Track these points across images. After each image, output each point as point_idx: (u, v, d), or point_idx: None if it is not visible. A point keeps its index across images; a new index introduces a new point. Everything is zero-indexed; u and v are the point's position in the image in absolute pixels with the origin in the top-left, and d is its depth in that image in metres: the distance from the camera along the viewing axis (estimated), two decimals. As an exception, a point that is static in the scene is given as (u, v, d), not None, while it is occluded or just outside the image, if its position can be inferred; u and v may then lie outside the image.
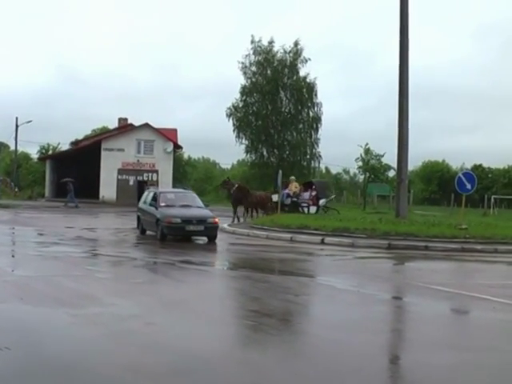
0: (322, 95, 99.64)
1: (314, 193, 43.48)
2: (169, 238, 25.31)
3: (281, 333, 10.20)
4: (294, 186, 43.28)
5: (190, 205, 27.42)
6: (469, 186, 28.51)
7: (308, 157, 77.65)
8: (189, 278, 16.43)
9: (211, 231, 25.64)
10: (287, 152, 77.13)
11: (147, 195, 29.64)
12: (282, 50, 77.36)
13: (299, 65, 77.59)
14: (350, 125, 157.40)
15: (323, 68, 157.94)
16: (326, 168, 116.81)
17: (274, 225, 30.46)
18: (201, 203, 28.42)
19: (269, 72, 76.90)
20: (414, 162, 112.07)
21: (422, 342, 9.68)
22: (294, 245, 24.98)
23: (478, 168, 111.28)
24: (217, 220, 26.03)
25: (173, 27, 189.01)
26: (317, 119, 77.50)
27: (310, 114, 77.80)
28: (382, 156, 67.83)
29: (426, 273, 18.63)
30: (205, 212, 26.94)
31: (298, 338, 10.01)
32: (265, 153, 78.09)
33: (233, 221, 37.62)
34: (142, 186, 38.36)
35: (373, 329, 10.58)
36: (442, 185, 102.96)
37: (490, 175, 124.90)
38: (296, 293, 13.94)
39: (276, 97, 77.13)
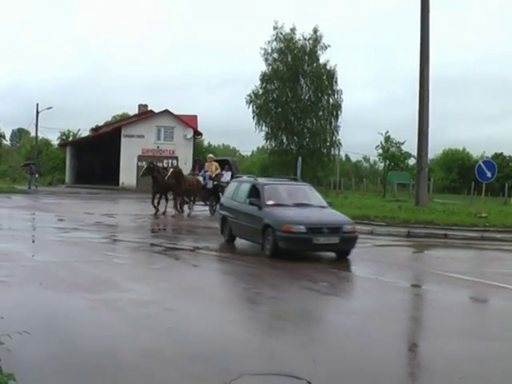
0: (345, 83, 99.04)
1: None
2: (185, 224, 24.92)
3: (298, 319, 10.24)
4: (215, 167, 34.58)
5: (310, 203, 18.73)
6: (489, 174, 28.39)
7: (328, 144, 77.47)
8: (207, 264, 16.49)
9: (348, 244, 17.55)
10: (307, 139, 76.96)
11: (237, 187, 20.71)
12: (302, 37, 77.15)
13: (319, 52, 77.38)
14: (372, 113, 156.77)
15: (348, 56, 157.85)
16: (346, 155, 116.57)
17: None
18: (323, 201, 19.47)
19: (289, 59, 76.78)
20: (434, 151, 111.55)
21: (439, 330, 9.69)
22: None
23: (498, 156, 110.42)
24: (355, 227, 18.34)
25: (198, 15, 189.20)
26: (337, 106, 77.29)
27: (330, 101, 77.63)
28: (403, 144, 67.43)
29: (445, 261, 18.58)
30: (337, 215, 18.65)
31: (315, 325, 10.06)
32: (284, 140, 77.98)
33: (156, 212, 31.79)
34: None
35: (390, 316, 10.65)
36: (462, 173, 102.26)
37: (510, 164, 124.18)
38: (314, 280, 13.95)
39: (296, 84, 77.01)
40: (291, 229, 16.61)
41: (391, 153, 68.07)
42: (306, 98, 78.03)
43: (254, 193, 18.89)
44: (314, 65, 77.54)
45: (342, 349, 8.53)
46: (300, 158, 36.23)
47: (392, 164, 69.71)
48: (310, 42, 77.45)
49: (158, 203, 32.41)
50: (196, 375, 7.11)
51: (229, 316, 10.24)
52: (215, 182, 33.13)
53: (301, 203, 18.52)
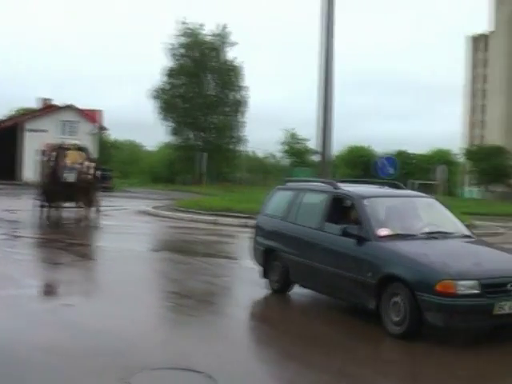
0: (253, 80, 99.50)
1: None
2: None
3: (200, 314, 10.30)
4: (79, 156, 26.47)
5: (448, 231, 11.04)
6: (391, 171, 28.93)
7: (234, 140, 77.89)
8: (111, 261, 16.31)
9: None
10: (213, 135, 77.30)
11: (294, 199, 12.45)
12: (209, 33, 77.46)
13: (226, 48, 77.80)
14: (279, 110, 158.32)
15: (255, 54, 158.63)
16: (253, 152, 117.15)
17: (198, 207, 30.43)
18: (462, 225, 11.64)
19: (196, 54, 76.87)
20: (340, 147, 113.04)
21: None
22: (218, 227, 25.00)
23: (402, 154, 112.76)
24: None
25: (105, 7, 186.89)
26: (243, 102, 77.92)
27: (237, 97, 78.08)
28: (308, 141, 68.44)
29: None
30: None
31: (216, 319, 10.11)
32: (190, 135, 78.03)
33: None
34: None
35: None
36: (366, 169, 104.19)
37: (414, 161, 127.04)
38: (216, 274, 14.04)
39: (203, 79, 77.32)
40: (454, 288, 8.80)
41: (296, 149, 68.93)
42: (213, 93, 78.35)
43: (340, 212, 11.11)
44: (221, 61, 77.91)
45: (244, 343, 8.67)
46: (205, 154, 36.12)
47: (297, 160, 70.54)
48: (218, 38, 77.79)
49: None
50: (95, 371, 7.06)
51: (132, 311, 10.22)
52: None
53: (435, 232, 10.64)
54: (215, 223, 26.13)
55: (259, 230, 13.17)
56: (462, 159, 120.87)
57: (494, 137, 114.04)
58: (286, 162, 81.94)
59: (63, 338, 8.28)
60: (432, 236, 10.37)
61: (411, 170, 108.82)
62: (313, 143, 65.12)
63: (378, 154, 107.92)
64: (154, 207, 33.56)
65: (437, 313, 8.82)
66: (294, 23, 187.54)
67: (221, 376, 6.88)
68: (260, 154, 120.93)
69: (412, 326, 9.01)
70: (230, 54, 78.29)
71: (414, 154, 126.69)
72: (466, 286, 8.80)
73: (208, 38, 78.37)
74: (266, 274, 12.47)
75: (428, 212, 11.64)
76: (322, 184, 12.46)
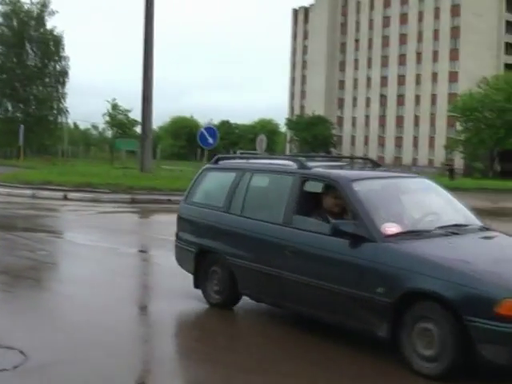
0: (75, 50, 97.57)
1: None
2: None
3: (15, 289, 10.09)
4: None
5: (463, 223, 8.35)
6: (211, 141, 29.19)
7: (55, 112, 76.34)
8: None
9: None
10: (33, 107, 75.48)
11: (239, 184, 9.19)
12: (28, 1, 75.34)
13: (46, 17, 75.92)
14: (104, 81, 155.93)
15: (78, 23, 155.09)
16: (75, 124, 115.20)
17: (16, 181, 29.57)
18: (472, 214, 8.77)
19: (15, 24, 74.57)
20: (164, 118, 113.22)
21: (165, 293, 10.05)
22: (37, 201, 24.39)
23: (225, 124, 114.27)
24: None
25: None
26: (64, 73, 76.59)
27: (57, 67, 76.69)
28: (130, 111, 67.98)
29: (168, 225, 19.00)
30: None
31: (32, 294, 9.94)
32: (10, 107, 75.79)
33: None
34: None
35: (115, 282, 10.81)
36: (190, 140, 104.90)
37: (237, 131, 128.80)
38: (33, 249, 13.75)
39: (22, 49, 75.22)
40: None
41: (118, 120, 68.35)
42: (33, 64, 76.44)
43: (312, 200, 8.35)
44: (41, 30, 76.04)
45: (60, 316, 8.56)
46: (22, 126, 35.11)
47: (120, 132, 69.95)
48: (38, 6, 75.76)
49: None
50: None
51: None
52: None
53: (450, 225, 8.10)
54: (34, 197, 25.48)
55: (185, 225, 10.03)
56: (284, 129, 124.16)
57: (314, 107, 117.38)
58: (109, 133, 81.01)
59: None
60: (451, 231, 7.85)
61: (235, 140, 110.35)
62: (136, 114, 64.91)
63: (201, 124, 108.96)
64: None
65: (498, 346, 6.30)
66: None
67: (33, 351, 6.79)
68: (83, 126, 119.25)
69: (455, 363, 6.49)
70: (51, 23, 76.57)
71: (237, 124, 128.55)
72: None
73: (27, 7, 76.14)
74: (199, 283, 9.41)
75: (429, 197, 9.04)
76: (283, 162, 9.51)
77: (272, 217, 8.45)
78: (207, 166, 10.36)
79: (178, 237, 10.01)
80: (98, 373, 6.35)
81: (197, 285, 9.39)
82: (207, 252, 9.29)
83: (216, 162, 10.04)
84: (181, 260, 9.93)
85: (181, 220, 10.06)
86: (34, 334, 7.57)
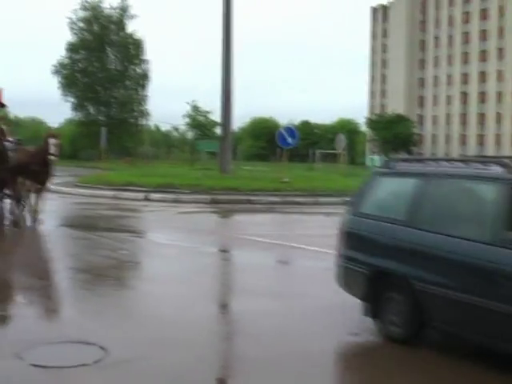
0: (156, 53, 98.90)
1: None
2: None
3: (97, 287, 10.22)
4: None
5: None
6: (290, 140, 29.19)
7: (136, 114, 77.36)
8: (9, 237, 16.07)
9: None
10: (114, 109, 76.59)
11: (423, 191, 7.59)
12: (109, 7, 76.64)
13: (126, 21, 77.08)
14: (183, 83, 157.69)
15: (159, 26, 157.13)
16: (156, 125, 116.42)
17: (98, 182, 30.08)
18: None
19: (96, 28, 75.89)
20: (243, 119, 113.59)
21: (244, 291, 10.03)
22: (119, 202, 24.74)
23: (305, 124, 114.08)
24: None
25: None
26: (145, 76, 77.49)
27: (138, 70, 77.61)
28: (209, 113, 68.41)
29: (248, 225, 19.09)
30: None
31: (113, 292, 10.06)
32: (92, 111, 77.17)
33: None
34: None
35: (197, 280, 10.81)
36: (270, 141, 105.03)
37: (316, 131, 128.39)
38: (115, 248, 13.93)
39: (103, 53, 76.50)
40: None
41: (198, 122, 68.84)
42: (114, 67, 77.57)
43: None
44: (122, 34, 77.14)
45: (141, 312, 8.64)
46: (104, 128, 35.71)
47: (200, 133, 70.44)
48: (118, 11, 76.93)
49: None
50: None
51: (30, 284, 10.12)
52: None
53: None
54: (116, 198, 25.85)
55: (355, 241, 8.39)
56: (364, 128, 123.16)
57: (394, 106, 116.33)
58: (190, 135, 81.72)
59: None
60: None
61: (315, 140, 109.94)
62: (216, 116, 65.28)
63: (281, 125, 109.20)
64: (55, 184, 32.91)
65: None
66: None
67: (113, 347, 6.86)
68: (164, 127, 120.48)
69: None
70: (131, 26, 77.61)
71: (317, 124, 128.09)
72: None
73: (107, 12, 77.40)
74: (375, 312, 7.84)
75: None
76: (481, 165, 7.27)
77: (472, 233, 6.82)
78: (379, 170, 8.91)
79: (342, 255, 8.41)
80: (177, 368, 6.39)
81: (371, 313, 7.85)
82: (384, 274, 7.72)
83: (388, 165, 8.56)
84: (347, 283, 8.38)
85: (348, 235, 8.43)
86: (115, 331, 7.64)
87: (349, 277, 8.28)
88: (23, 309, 8.71)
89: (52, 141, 16.16)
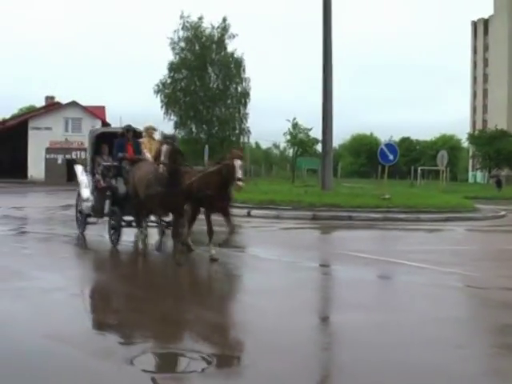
0: (254, 71, 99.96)
1: None
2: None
3: (204, 300, 10.55)
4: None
5: None
6: (391, 157, 29.16)
7: (237, 132, 78.06)
8: (119, 253, 16.53)
9: None
10: (216, 128, 77.37)
11: None
12: (210, 26, 77.60)
13: (227, 40, 77.97)
14: (282, 100, 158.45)
15: (256, 44, 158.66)
16: (256, 143, 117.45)
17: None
18: None
19: (197, 48, 76.99)
20: (343, 136, 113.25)
21: (344, 304, 10.18)
22: (221, 218, 25.06)
23: (405, 141, 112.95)
24: None
25: (104, 3, 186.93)
26: (245, 94, 77.98)
27: (239, 89, 78.27)
28: (310, 130, 68.54)
29: (349, 241, 19.19)
30: None
31: (219, 305, 10.36)
32: (194, 129, 78.19)
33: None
34: (70, 165, 34.31)
35: (298, 294, 10.98)
36: (370, 157, 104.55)
37: (418, 147, 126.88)
38: (220, 262, 14.24)
39: (204, 72, 77.31)
40: None
41: (299, 139, 69.06)
42: (215, 86, 78.43)
43: None
44: (222, 53, 78.03)
45: (246, 324, 8.88)
46: (207, 146, 36.31)
47: (300, 150, 70.68)
48: (218, 30, 77.88)
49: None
50: (103, 351, 7.29)
51: (140, 304, 10.50)
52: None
53: None
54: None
55: None
56: (467, 144, 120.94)
57: (496, 121, 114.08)
58: (290, 152, 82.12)
59: (70, 326, 8.52)
60: None
61: (416, 157, 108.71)
62: (316, 133, 65.39)
63: (381, 141, 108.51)
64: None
65: None
66: (296, 13, 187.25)
67: (220, 355, 7.12)
68: (264, 145, 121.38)
69: None
70: (231, 46, 78.44)
71: (419, 141, 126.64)
72: None
73: (208, 31, 78.49)
74: None
75: None
76: None
77: None
78: None
79: None
80: (277, 374, 6.56)
81: None
82: None
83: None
84: None
85: None
86: (220, 339, 7.93)
87: None
88: (137, 316, 9.07)
89: (238, 163, 13.58)
